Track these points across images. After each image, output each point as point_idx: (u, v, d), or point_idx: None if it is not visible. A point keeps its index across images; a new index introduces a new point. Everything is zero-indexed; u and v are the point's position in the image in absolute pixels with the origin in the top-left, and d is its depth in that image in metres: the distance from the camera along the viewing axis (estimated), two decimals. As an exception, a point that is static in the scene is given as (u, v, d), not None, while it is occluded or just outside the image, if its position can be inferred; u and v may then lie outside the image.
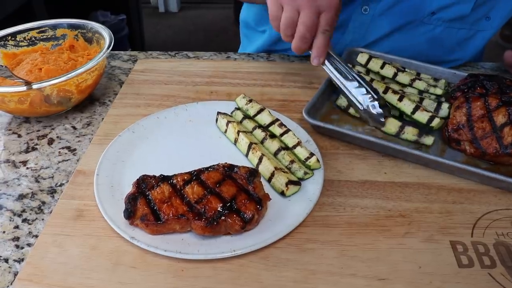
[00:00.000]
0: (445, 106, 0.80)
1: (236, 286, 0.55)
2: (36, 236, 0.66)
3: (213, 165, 0.64)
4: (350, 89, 0.76)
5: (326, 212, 0.65)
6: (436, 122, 0.76)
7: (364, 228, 0.63)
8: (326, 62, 0.79)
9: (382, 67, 0.88)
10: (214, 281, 0.55)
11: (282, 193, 0.65)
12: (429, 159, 0.71)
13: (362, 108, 0.74)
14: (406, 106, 0.79)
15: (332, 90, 0.87)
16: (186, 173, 0.63)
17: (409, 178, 0.71)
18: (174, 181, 0.61)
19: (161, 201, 0.59)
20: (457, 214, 0.65)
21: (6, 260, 0.63)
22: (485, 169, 0.68)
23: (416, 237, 0.62)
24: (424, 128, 0.77)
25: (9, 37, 0.95)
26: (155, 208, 0.58)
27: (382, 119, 0.72)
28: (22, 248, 0.64)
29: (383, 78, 0.89)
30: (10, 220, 0.69)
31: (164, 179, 0.62)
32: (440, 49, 1.03)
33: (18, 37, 0.95)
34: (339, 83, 0.78)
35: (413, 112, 0.78)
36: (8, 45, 0.95)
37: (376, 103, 0.73)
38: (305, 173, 0.66)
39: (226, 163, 0.64)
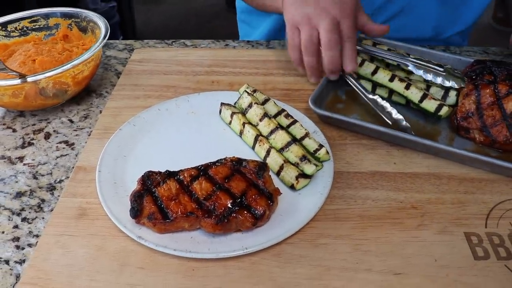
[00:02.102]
0: (452, 93, 0.78)
1: (249, 285, 0.53)
2: (37, 236, 0.64)
3: (221, 160, 0.61)
4: (376, 103, 0.76)
5: (337, 206, 0.63)
6: (444, 110, 0.74)
7: (376, 221, 0.61)
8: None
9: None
10: (226, 280, 0.54)
11: (292, 187, 0.63)
12: (439, 148, 0.69)
13: (390, 123, 0.73)
14: (414, 94, 0.77)
15: (336, 80, 0.84)
16: (192, 168, 0.60)
17: (419, 168, 0.69)
18: (181, 177, 0.59)
19: (168, 198, 0.57)
20: (469, 205, 0.64)
21: (7, 262, 0.60)
22: (495, 158, 0.67)
23: (429, 229, 0.60)
24: (432, 117, 0.76)
25: (0, 28, 0.91)
26: (162, 206, 0.56)
27: (405, 124, 0.72)
28: (23, 248, 0.62)
29: (387, 65, 0.87)
30: (9, 219, 0.66)
31: (170, 175, 0.60)
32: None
33: (9, 27, 0.91)
34: (364, 97, 0.78)
35: (421, 101, 0.76)
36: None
37: (394, 109, 0.73)
38: (315, 165, 0.64)
39: (234, 157, 0.61)
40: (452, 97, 0.78)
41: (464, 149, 0.70)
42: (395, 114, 0.72)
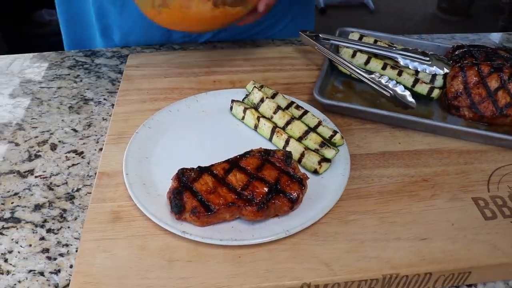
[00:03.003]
0: (439, 77, 0.85)
1: (295, 264, 0.57)
2: (67, 245, 0.64)
3: (248, 151, 0.64)
4: (372, 79, 0.80)
5: (357, 185, 0.68)
6: (436, 93, 0.81)
7: (395, 195, 0.67)
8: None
9: (375, 43, 0.93)
10: (273, 263, 0.57)
11: (315, 172, 0.67)
12: (437, 126, 0.76)
13: (389, 95, 0.78)
14: (406, 80, 0.83)
15: (331, 69, 0.90)
16: (223, 162, 0.63)
17: (422, 145, 0.76)
18: (214, 171, 0.62)
19: (207, 192, 0.59)
20: (471, 173, 0.71)
21: (42, 273, 0.61)
22: (486, 130, 0.75)
23: (442, 198, 0.67)
24: (424, 99, 0.83)
25: None
26: (203, 199, 0.59)
27: (411, 99, 0.77)
28: (55, 259, 0.62)
29: (375, 54, 0.93)
30: (33, 232, 0.66)
31: (203, 170, 0.62)
32: None
33: None
34: (359, 76, 0.82)
35: (413, 85, 0.83)
36: None
37: (401, 86, 0.77)
38: (334, 150, 0.68)
39: (260, 148, 0.65)
40: (439, 80, 0.85)
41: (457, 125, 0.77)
42: (402, 91, 0.77)
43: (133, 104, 0.83)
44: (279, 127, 0.72)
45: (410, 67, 0.86)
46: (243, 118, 0.76)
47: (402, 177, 0.70)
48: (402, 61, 0.86)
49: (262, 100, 0.75)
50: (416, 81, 0.83)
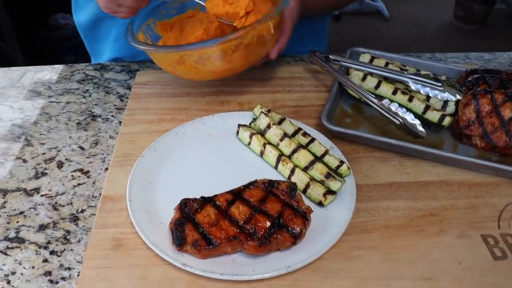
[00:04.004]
0: (451, 103, 0.84)
1: (295, 301, 0.56)
2: (69, 269, 0.64)
3: (252, 182, 0.64)
4: (382, 105, 0.79)
5: (362, 218, 0.67)
6: (447, 121, 0.79)
7: (401, 230, 0.65)
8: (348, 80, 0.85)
9: (386, 66, 0.91)
10: (274, 299, 0.56)
11: (320, 203, 0.66)
12: (446, 156, 0.74)
13: (399, 123, 0.76)
14: (417, 106, 0.82)
15: (341, 92, 0.89)
16: (227, 193, 0.62)
17: (431, 176, 0.74)
18: (218, 202, 0.61)
19: (209, 224, 0.59)
20: (481, 208, 0.69)
21: (43, 297, 0.61)
22: (498, 162, 0.73)
23: (449, 234, 0.65)
24: (435, 126, 0.81)
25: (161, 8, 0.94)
26: (204, 232, 0.58)
27: (421, 128, 0.75)
28: (57, 283, 0.62)
29: (386, 78, 0.91)
30: (37, 254, 0.66)
31: (206, 200, 0.61)
32: None
33: (169, 6, 0.95)
34: (369, 102, 0.81)
35: (424, 112, 0.81)
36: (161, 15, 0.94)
37: (411, 114, 0.76)
38: (340, 181, 0.67)
39: (265, 179, 0.64)
40: (451, 106, 0.84)
41: (468, 155, 0.76)
42: (412, 120, 0.76)
43: (140, 124, 0.83)
44: (285, 155, 0.72)
45: (421, 92, 0.84)
46: (249, 143, 0.76)
47: (409, 211, 0.68)
48: (413, 86, 0.85)
49: (268, 126, 0.75)
50: (427, 108, 0.81)
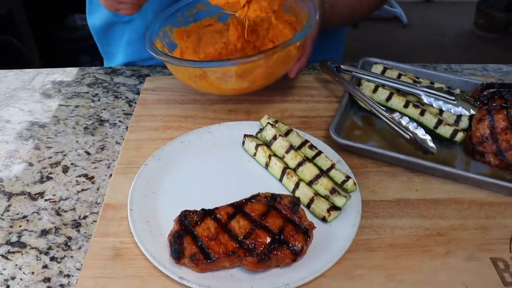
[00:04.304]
0: (464, 118, 0.81)
1: (293, 321, 0.54)
2: (68, 276, 0.64)
3: (255, 195, 0.62)
4: (392, 119, 0.77)
5: (367, 235, 0.65)
6: (459, 136, 0.77)
7: (406, 249, 0.63)
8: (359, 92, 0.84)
9: (398, 78, 0.89)
10: (271, 318, 0.55)
11: (323, 219, 0.65)
12: (457, 174, 0.72)
13: (409, 137, 0.74)
14: (429, 120, 0.79)
15: (351, 103, 0.87)
16: (228, 206, 0.61)
17: (440, 194, 0.72)
18: (218, 215, 0.60)
19: (208, 238, 0.58)
20: (492, 229, 0.66)
21: (41, 305, 0.60)
22: (511, 181, 0.70)
23: (457, 255, 0.63)
24: (447, 142, 0.79)
25: (178, 14, 0.94)
26: (203, 246, 0.57)
27: (431, 144, 0.73)
28: (56, 290, 0.62)
29: (398, 90, 0.89)
30: (37, 259, 0.66)
31: (206, 213, 0.60)
32: None
33: (186, 13, 0.95)
34: (379, 114, 0.79)
35: (436, 127, 0.79)
36: (178, 22, 0.94)
37: (421, 129, 0.74)
38: (345, 196, 0.66)
39: (267, 193, 0.63)
40: (464, 121, 0.81)
41: (480, 173, 0.73)
42: (423, 135, 0.74)
43: (146, 131, 0.83)
44: (290, 168, 0.70)
45: (434, 105, 0.82)
46: (255, 154, 0.74)
47: (416, 229, 0.66)
48: (426, 99, 0.82)
49: (275, 138, 0.73)
50: (439, 122, 0.79)
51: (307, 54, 0.88)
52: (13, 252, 0.67)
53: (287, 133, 0.76)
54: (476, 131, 0.77)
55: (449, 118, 0.82)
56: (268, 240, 0.57)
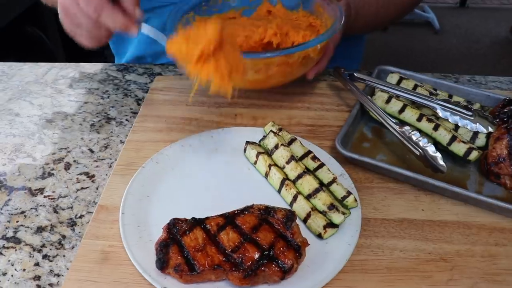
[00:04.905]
0: (482, 135, 0.76)
1: None
2: (58, 275, 0.63)
3: (248, 207, 0.60)
4: (402, 133, 0.74)
5: (364, 256, 0.62)
6: (474, 155, 0.72)
7: (404, 274, 0.60)
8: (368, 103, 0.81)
9: (414, 89, 0.85)
10: (253, 337, 0.53)
11: (319, 235, 0.62)
12: (468, 195, 0.68)
13: (418, 153, 0.71)
14: (442, 136, 0.75)
15: (362, 113, 0.83)
16: (219, 216, 0.59)
17: (448, 216, 0.68)
18: (208, 226, 0.58)
19: (195, 249, 0.56)
20: (501, 258, 0.62)
21: (28, 303, 0.60)
22: (527, 207, 0.65)
23: (460, 284, 0.59)
24: (460, 160, 0.74)
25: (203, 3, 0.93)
26: (189, 257, 0.55)
27: (442, 162, 0.69)
28: (44, 288, 0.61)
29: (413, 102, 0.85)
30: (30, 256, 0.66)
31: (196, 222, 0.59)
32: None
33: (211, 2, 0.94)
34: (389, 127, 0.76)
35: (449, 143, 0.75)
36: (202, 10, 0.94)
37: (432, 146, 0.70)
38: (343, 213, 0.63)
39: (261, 205, 0.60)
40: (481, 139, 0.77)
41: (494, 195, 0.69)
42: (433, 152, 0.70)
43: (148, 132, 0.82)
44: (290, 180, 0.67)
45: (450, 120, 0.78)
46: (256, 162, 0.72)
47: (417, 253, 0.62)
48: (441, 113, 0.78)
49: (276, 147, 0.71)
50: (453, 138, 0.74)
51: (327, 57, 0.86)
52: (8, 248, 0.67)
53: (290, 142, 0.73)
54: (492, 150, 0.73)
55: (465, 135, 0.77)
56: (257, 255, 0.55)
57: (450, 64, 2.93)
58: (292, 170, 0.68)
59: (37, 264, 0.65)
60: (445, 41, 3.35)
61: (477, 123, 0.76)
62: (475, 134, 0.77)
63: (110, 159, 0.81)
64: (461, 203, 0.69)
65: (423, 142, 0.71)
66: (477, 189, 0.72)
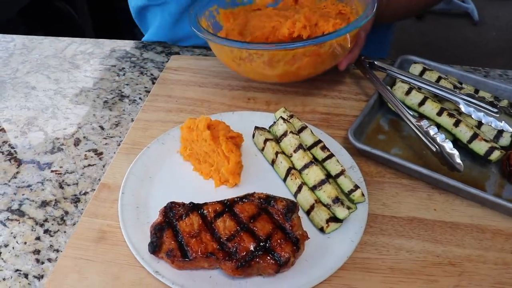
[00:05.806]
0: (507, 134, 0.71)
1: (266, 337, 0.50)
2: (57, 251, 0.63)
3: (248, 195, 0.58)
4: (420, 127, 0.70)
5: (367, 254, 0.59)
6: (495, 155, 0.68)
7: (408, 276, 0.57)
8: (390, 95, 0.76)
9: (437, 81, 0.80)
10: (243, 329, 0.51)
11: (321, 229, 0.59)
12: (486, 198, 0.63)
13: (434, 150, 0.67)
14: (463, 133, 0.71)
15: (380, 103, 0.79)
16: (218, 202, 0.57)
17: (461, 218, 0.64)
18: (205, 211, 0.56)
19: (189, 234, 0.54)
20: (515, 267, 0.58)
21: (26, 276, 0.60)
22: (550, 214, 0.61)
23: (467, 292, 0.55)
24: (481, 159, 0.70)
25: None
26: (182, 242, 0.54)
27: (458, 160, 0.65)
28: (43, 263, 0.62)
29: (435, 95, 0.80)
30: (32, 230, 0.66)
31: (194, 207, 0.57)
32: None
33: None
34: (406, 120, 0.72)
35: (470, 141, 0.70)
36: (225, 2, 0.92)
37: (450, 143, 0.66)
38: (348, 208, 0.60)
39: (262, 193, 0.58)
40: (506, 138, 0.71)
41: (513, 200, 0.64)
42: (450, 149, 0.66)
43: (158, 112, 0.80)
44: (296, 169, 0.65)
45: (473, 116, 0.73)
46: (263, 149, 0.70)
47: (424, 255, 0.59)
48: (464, 108, 0.73)
49: (285, 134, 0.68)
50: (475, 136, 0.70)
51: (359, 46, 0.83)
52: (12, 220, 0.67)
53: (300, 130, 0.70)
54: (516, 151, 0.68)
55: (488, 133, 0.72)
56: (252, 246, 0.53)
57: (487, 58, 2.80)
58: (299, 159, 0.65)
59: (38, 238, 0.65)
60: (484, 33, 3.19)
61: (503, 121, 0.71)
62: (500, 132, 0.72)
63: (120, 137, 0.80)
64: (477, 205, 0.65)
65: (440, 138, 0.67)
66: (496, 191, 0.67)
